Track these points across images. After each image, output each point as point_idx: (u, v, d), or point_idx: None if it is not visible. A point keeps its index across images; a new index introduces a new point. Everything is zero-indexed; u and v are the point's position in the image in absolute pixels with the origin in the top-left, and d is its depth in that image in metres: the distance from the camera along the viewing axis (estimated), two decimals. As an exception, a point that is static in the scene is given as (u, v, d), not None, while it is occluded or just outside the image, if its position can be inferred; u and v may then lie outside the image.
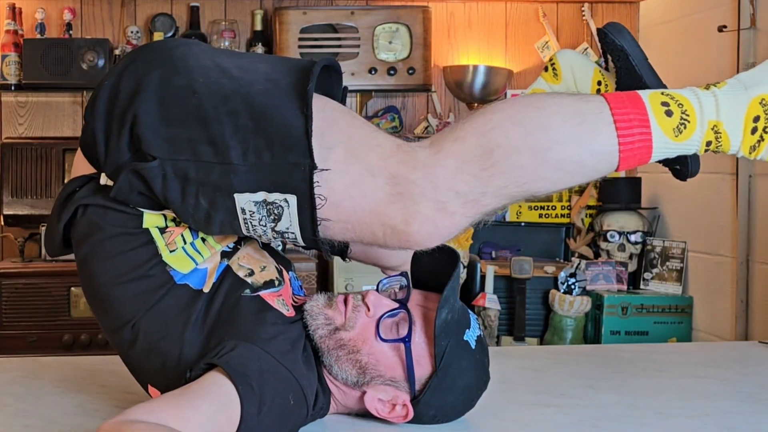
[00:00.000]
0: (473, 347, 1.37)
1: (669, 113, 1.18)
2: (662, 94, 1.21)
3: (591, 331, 3.25)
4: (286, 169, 1.19)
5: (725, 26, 2.98)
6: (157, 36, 3.46)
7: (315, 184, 1.18)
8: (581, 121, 1.18)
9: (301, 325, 1.36)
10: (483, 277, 3.24)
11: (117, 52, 3.43)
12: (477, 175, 1.17)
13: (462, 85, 3.54)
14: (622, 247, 3.39)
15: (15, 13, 3.40)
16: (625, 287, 3.31)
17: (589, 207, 3.59)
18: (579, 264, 3.24)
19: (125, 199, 1.27)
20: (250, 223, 1.23)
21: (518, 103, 1.23)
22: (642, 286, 3.38)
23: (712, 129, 1.19)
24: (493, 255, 3.47)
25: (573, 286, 3.20)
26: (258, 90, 1.23)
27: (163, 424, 1.12)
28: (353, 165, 1.20)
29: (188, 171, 1.21)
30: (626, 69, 1.55)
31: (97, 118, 1.27)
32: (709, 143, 1.20)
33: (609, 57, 1.57)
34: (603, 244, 3.43)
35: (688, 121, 1.18)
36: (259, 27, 3.55)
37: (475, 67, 3.53)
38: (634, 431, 1.43)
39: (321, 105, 1.23)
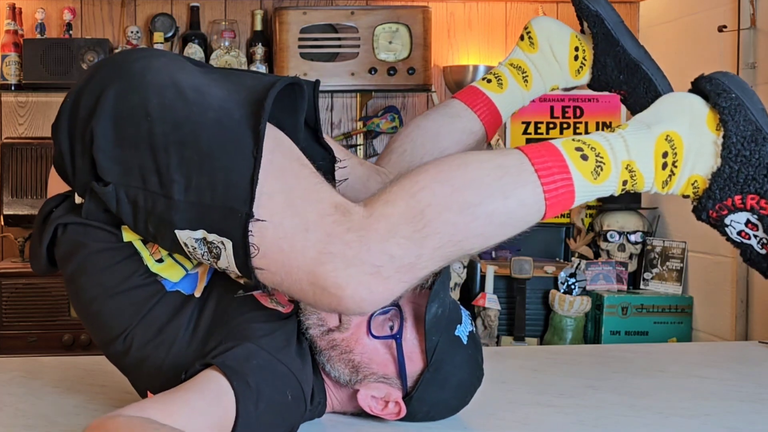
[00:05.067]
0: (465, 342, 1.38)
1: (584, 157, 1.19)
2: (573, 140, 1.21)
3: (591, 331, 3.25)
4: (223, 213, 1.16)
5: (725, 26, 2.98)
6: (157, 36, 3.46)
7: (249, 233, 1.15)
8: (504, 173, 1.17)
9: (295, 321, 1.36)
10: (483, 277, 3.24)
11: (117, 52, 3.42)
12: (411, 238, 1.14)
13: (462, 85, 3.54)
14: (622, 247, 3.39)
15: (15, 13, 3.41)
16: (625, 287, 3.31)
17: (589, 207, 3.59)
18: (579, 264, 3.24)
19: (95, 218, 1.28)
20: (194, 255, 1.23)
21: (441, 163, 1.21)
22: (642, 286, 3.38)
23: (626, 168, 1.19)
24: (493, 255, 3.47)
25: (573, 286, 3.20)
26: (210, 119, 1.19)
27: (147, 417, 1.12)
28: (289, 217, 1.16)
29: (138, 198, 1.20)
30: (603, 34, 1.55)
31: (61, 138, 1.26)
32: (625, 182, 1.21)
33: (584, 23, 1.58)
34: (603, 244, 3.43)
35: (604, 163, 1.19)
36: (259, 27, 3.55)
37: (475, 67, 3.54)
38: (634, 431, 1.43)
39: (271, 147, 1.19)
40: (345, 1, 3.62)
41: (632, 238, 3.39)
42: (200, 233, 1.18)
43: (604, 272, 3.31)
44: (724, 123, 1.18)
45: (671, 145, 1.20)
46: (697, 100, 1.22)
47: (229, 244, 1.17)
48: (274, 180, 1.18)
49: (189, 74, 1.26)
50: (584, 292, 3.23)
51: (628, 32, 1.56)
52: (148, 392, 1.35)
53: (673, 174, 1.21)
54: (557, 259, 3.51)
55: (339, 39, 3.37)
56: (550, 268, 3.28)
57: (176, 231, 1.19)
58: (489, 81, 1.63)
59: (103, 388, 1.61)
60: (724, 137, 1.18)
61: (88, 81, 1.26)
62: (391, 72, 3.35)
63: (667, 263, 3.31)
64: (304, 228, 1.16)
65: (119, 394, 1.55)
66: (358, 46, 3.36)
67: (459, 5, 3.70)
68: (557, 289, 3.21)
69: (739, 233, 1.22)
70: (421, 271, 1.17)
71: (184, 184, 1.17)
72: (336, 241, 1.15)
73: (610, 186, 1.20)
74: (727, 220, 1.21)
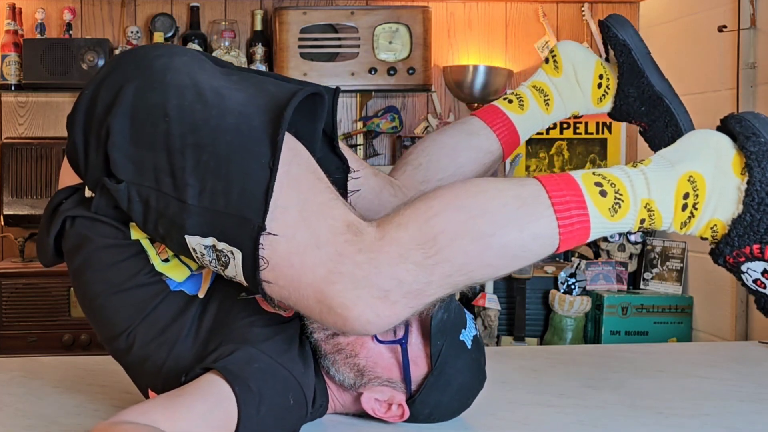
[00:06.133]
0: (469, 347, 1.38)
1: (603, 193, 1.16)
2: (594, 173, 1.18)
3: (591, 331, 3.25)
4: (235, 222, 1.15)
5: (725, 26, 2.98)
6: (157, 36, 3.46)
7: (260, 246, 1.14)
8: (521, 204, 1.15)
9: (297, 324, 1.36)
10: (483, 277, 3.24)
11: (117, 52, 3.43)
12: (421, 264, 1.13)
13: (462, 85, 3.54)
14: (622, 247, 3.39)
15: (15, 13, 3.41)
16: (625, 287, 3.31)
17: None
18: (579, 264, 3.24)
19: (104, 214, 1.27)
20: (202, 261, 1.22)
21: (457, 188, 1.19)
22: (642, 286, 3.38)
23: (645, 207, 1.16)
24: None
25: (573, 286, 3.20)
26: (228, 124, 1.18)
27: (152, 425, 1.12)
28: (301, 231, 1.15)
29: (150, 198, 1.19)
30: (628, 64, 1.54)
31: (76, 131, 1.26)
32: (642, 221, 1.18)
33: (610, 50, 1.57)
34: (603, 244, 3.43)
35: (622, 201, 1.16)
36: (259, 27, 3.55)
37: (475, 67, 3.54)
38: (634, 431, 1.43)
39: (289, 158, 1.18)
40: (345, 1, 3.62)
41: (632, 238, 3.39)
42: (210, 240, 1.17)
43: (604, 272, 3.31)
44: (750, 168, 1.14)
45: (693, 187, 1.16)
46: (724, 141, 1.18)
47: (238, 254, 1.16)
48: (290, 191, 1.16)
49: (209, 75, 1.25)
50: (584, 292, 3.23)
51: (654, 65, 1.54)
52: (149, 390, 1.35)
53: (693, 216, 1.17)
54: (557, 259, 3.51)
55: (339, 39, 3.37)
56: (550, 268, 3.28)
57: (186, 236, 1.18)
58: (510, 101, 1.61)
59: (103, 388, 1.61)
60: (748, 183, 1.14)
61: (108, 75, 1.25)
62: (391, 72, 3.36)
63: (667, 263, 3.31)
64: (316, 245, 1.15)
65: (119, 394, 1.55)
66: (358, 46, 3.36)
67: (459, 5, 3.70)
68: (557, 289, 3.22)
69: (754, 281, 1.19)
70: (428, 298, 1.16)
71: (198, 188, 1.16)
72: (346, 261, 1.14)
73: (627, 223, 1.17)
74: (743, 267, 1.18)
